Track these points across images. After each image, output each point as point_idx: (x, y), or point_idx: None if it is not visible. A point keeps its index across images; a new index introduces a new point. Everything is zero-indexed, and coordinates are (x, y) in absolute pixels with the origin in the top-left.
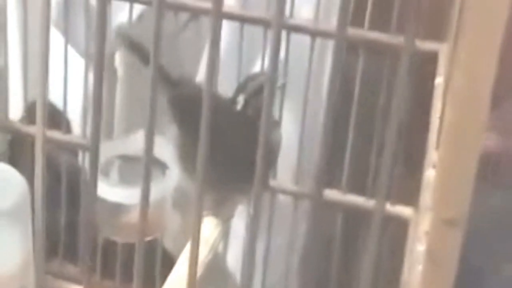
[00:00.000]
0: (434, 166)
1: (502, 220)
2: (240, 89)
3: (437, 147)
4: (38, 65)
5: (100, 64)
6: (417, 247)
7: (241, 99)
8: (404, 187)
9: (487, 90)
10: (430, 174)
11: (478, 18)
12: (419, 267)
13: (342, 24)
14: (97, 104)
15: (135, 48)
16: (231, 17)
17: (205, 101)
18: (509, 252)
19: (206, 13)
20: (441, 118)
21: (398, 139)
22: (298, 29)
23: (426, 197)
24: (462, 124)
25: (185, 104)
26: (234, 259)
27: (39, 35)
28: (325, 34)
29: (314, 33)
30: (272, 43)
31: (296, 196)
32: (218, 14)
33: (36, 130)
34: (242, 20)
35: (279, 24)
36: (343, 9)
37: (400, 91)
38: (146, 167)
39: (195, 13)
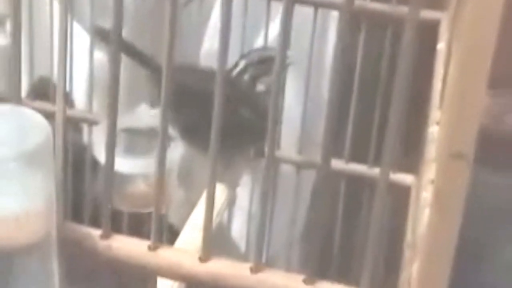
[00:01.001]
0: (437, 123)
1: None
2: (243, 56)
3: (440, 106)
4: (43, 42)
5: (116, 39)
6: (423, 195)
7: (241, 64)
8: (405, 157)
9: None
10: (434, 130)
11: None
12: (426, 211)
13: None
14: (114, 82)
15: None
16: None
17: (219, 75)
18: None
19: None
20: (444, 80)
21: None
22: (300, 0)
23: (431, 150)
24: (469, 64)
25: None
26: (238, 229)
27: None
28: (328, 5)
29: (316, 4)
30: (283, 18)
31: (300, 166)
32: None
33: (56, 107)
34: None
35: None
36: None
37: (404, 61)
38: (163, 135)
39: None
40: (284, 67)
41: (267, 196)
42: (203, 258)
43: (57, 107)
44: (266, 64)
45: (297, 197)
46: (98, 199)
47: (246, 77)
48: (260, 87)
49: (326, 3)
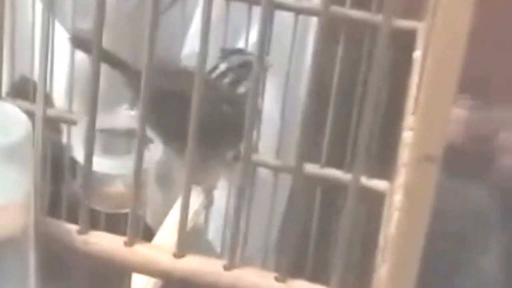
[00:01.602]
0: (411, 129)
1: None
2: (223, 57)
3: (414, 112)
4: (25, 42)
5: (99, 42)
6: (394, 198)
7: (222, 67)
8: (380, 163)
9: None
10: (407, 135)
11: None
12: (396, 213)
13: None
14: (95, 83)
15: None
16: None
17: (197, 79)
18: (483, 244)
19: None
20: (419, 86)
21: (375, 114)
22: (281, 6)
23: (405, 154)
24: (439, 72)
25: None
26: (214, 232)
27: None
28: (308, 12)
29: (297, 11)
30: (261, 23)
31: (277, 170)
32: None
33: (36, 107)
34: None
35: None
36: None
37: (377, 68)
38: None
39: None
40: (262, 71)
41: (242, 195)
42: (178, 254)
43: (36, 106)
44: (247, 67)
45: (273, 201)
46: (76, 199)
47: (226, 79)
48: (240, 89)
49: (306, 9)
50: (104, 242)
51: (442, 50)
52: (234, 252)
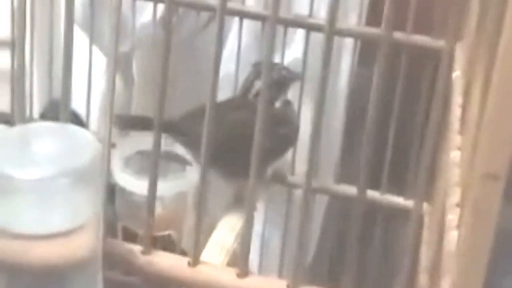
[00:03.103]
0: (459, 148)
1: None
2: (256, 72)
3: (461, 132)
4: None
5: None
6: (448, 218)
7: (257, 84)
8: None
9: None
10: (455, 155)
11: None
12: (453, 233)
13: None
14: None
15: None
16: (252, 16)
17: (261, 105)
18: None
19: (229, 13)
20: (464, 107)
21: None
22: (317, 28)
23: (454, 174)
24: (506, 90)
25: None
26: (251, 253)
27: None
28: (342, 33)
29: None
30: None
31: (314, 191)
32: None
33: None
34: (263, 19)
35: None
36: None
37: (439, 93)
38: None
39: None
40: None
41: (306, 218)
42: (241, 274)
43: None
44: (282, 83)
45: (310, 223)
46: (114, 222)
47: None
48: (277, 105)
49: (341, 31)
50: (168, 262)
51: (509, 70)
52: (297, 272)
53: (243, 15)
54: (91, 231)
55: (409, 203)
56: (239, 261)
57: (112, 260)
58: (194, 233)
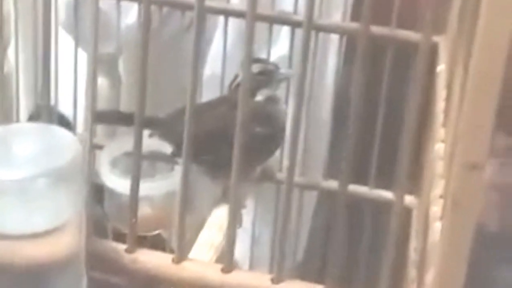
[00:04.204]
0: (442, 141)
1: None
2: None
3: (444, 124)
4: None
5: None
6: (432, 209)
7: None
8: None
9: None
10: (440, 147)
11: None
12: (436, 224)
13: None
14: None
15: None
16: (237, 14)
17: (241, 101)
18: None
19: (213, 12)
20: (447, 99)
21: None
22: (301, 25)
23: (438, 166)
24: (481, 82)
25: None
26: (241, 252)
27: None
28: (328, 29)
29: (318, 28)
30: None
31: (302, 187)
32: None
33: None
34: (272, 21)
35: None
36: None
37: (417, 85)
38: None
39: (228, 15)
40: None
41: (288, 213)
42: (226, 270)
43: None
44: (265, 75)
45: (299, 219)
46: (102, 222)
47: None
48: (258, 97)
49: (326, 27)
50: (153, 259)
51: (484, 59)
52: (282, 266)
53: (227, 13)
54: (73, 230)
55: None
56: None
57: (97, 259)
58: (178, 230)
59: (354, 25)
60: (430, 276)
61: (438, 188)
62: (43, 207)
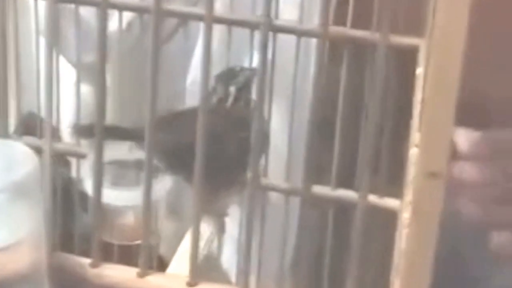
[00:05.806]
0: (416, 146)
1: None
2: (224, 80)
3: (419, 129)
4: (29, 76)
5: (102, 73)
6: (403, 215)
7: (232, 91)
8: (393, 181)
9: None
10: (413, 152)
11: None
12: (405, 231)
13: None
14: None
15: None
16: (220, 21)
17: (201, 104)
18: None
19: (197, 19)
20: (422, 103)
21: (379, 133)
22: (283, 30)
23: (411, 171)
24: (438, 87)
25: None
26: (228, 259)
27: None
28: (310, 34)
29: (299, 33)
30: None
31: (287, 193)
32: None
33: (43, 142)
34: (231, 23)
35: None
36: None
37: (377, 86)
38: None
39: (186, 18)
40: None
41: (251, 221)
42: (191, 283)
43: (44, 141)
44: (245, 88)
45: (286, 225)
46: (89, 232)
47: (240, 103)
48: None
49: (307, 32)
50: (117, 274)
51: (441, 64)
52: (247, 279)
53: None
54: (32, 245)
55: (384, 201)
56: (207, 272)
57: (61, 274)
58: (143, 244)
59: (336, 29)
60: (396, 285)
61: (409, 194)
62: (0, 222)
